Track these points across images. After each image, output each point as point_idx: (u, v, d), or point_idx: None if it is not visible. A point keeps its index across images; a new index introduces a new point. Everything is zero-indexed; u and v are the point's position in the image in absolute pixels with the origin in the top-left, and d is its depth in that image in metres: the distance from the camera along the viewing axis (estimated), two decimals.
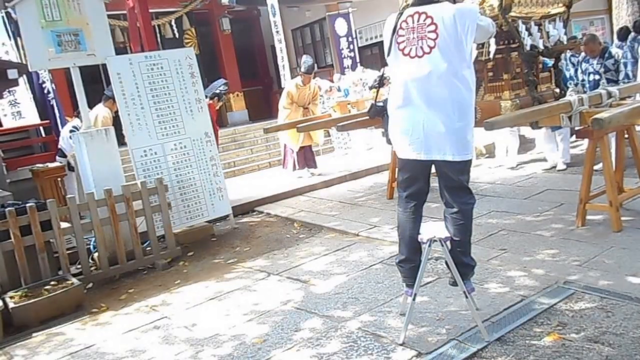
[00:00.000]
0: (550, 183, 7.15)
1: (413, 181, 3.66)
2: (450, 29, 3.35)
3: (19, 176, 7.78)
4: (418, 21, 3.45)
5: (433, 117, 3.44)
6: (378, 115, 4.43)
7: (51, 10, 5.69)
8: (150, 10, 13.05)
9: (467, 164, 3.56)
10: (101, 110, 7.44)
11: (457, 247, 3.57)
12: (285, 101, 9.46)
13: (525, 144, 9.30)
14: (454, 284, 3.58)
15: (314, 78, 9.57)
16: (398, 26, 3.54)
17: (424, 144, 3.48)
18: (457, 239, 3.54)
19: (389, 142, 3.89)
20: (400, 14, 3.57)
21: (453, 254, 3.51)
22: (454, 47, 3.37)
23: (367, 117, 6.24)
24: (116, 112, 7.21)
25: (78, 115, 7.46)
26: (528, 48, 5.43)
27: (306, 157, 9.67)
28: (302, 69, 9.24)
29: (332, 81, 12.82)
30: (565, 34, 5.94)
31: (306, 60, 9.35)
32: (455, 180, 3.55)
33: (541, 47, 5.55)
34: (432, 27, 3.39)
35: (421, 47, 3.44)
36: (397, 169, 3.92)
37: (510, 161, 8.46)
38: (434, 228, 3.60)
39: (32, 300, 4.75)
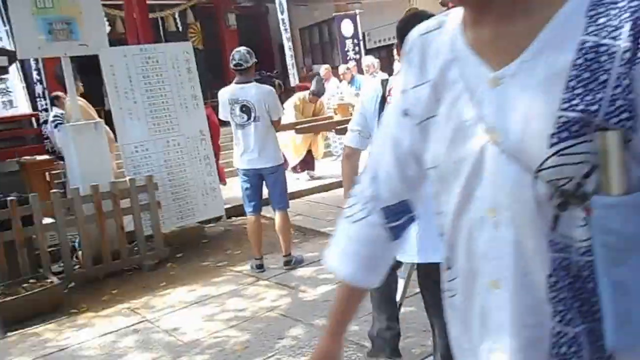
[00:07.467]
0: None
1: None
2: None
3: (7, 168, 7.56)
4: None
5: None
6: None
7: None
8: (153, 2, 12.78)
9: None
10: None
11: None
12: (293, 115, 8.86)
13: None
14: None
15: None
16: (387, 93, 3.01)
17: None
18: None
19: None
20: (386, 80, 3.06)
21: None
22: None
23: None
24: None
25: (55, 104, 7.26)
26: None
27: (305, 160, 9.45)
28: (313, 88, 8.90)
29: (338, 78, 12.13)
30: None
31: (318, 81, 9.02)
32: None
33: None
34: None
35: None
36: None
37: None
38: None
39: (8, 299, 4.59)
